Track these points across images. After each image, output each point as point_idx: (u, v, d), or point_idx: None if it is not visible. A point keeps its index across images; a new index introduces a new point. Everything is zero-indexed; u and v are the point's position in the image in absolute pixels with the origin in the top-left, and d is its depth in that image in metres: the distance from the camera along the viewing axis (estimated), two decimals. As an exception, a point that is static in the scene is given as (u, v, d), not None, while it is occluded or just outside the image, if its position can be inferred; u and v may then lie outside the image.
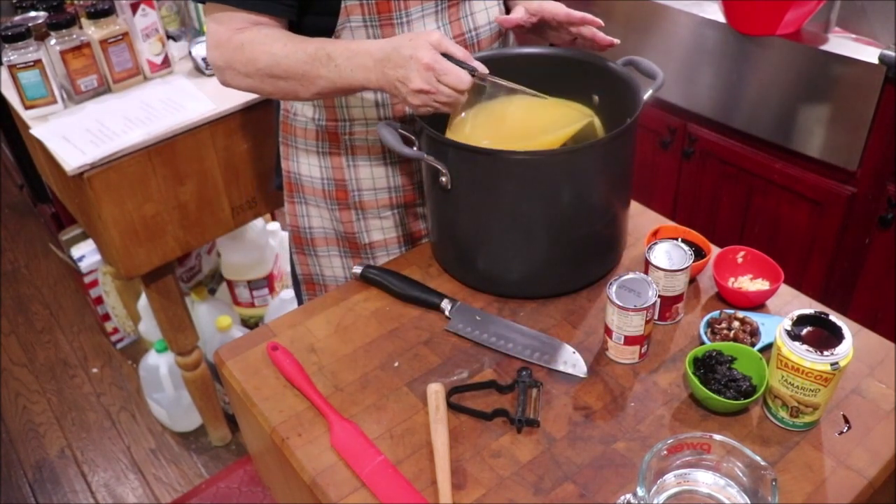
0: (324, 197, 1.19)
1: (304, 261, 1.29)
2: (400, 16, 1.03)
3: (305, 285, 1.32)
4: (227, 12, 1.00)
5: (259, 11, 1.00)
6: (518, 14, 1.08)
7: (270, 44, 0.99)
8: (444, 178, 0.96)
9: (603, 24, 1.07)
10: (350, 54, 0.95)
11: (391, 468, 0.81)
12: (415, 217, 1.21)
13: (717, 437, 0.75)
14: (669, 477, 0.77)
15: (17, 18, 1.67)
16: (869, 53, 1.52)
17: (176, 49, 1.73)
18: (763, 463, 0.72)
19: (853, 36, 1.72)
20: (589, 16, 1.06)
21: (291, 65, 0.98)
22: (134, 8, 1.60)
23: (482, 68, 0.93)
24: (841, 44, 1.58)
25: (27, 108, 1.56)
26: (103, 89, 1.63)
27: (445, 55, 0.90)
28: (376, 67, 0.92)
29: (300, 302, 1.36)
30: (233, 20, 1.00)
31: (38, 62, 1.52)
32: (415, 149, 1.00)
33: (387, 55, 0.91)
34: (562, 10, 1.06)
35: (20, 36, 1.51)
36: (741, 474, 0.75)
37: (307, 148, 1.17)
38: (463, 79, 0.90)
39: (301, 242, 1.27)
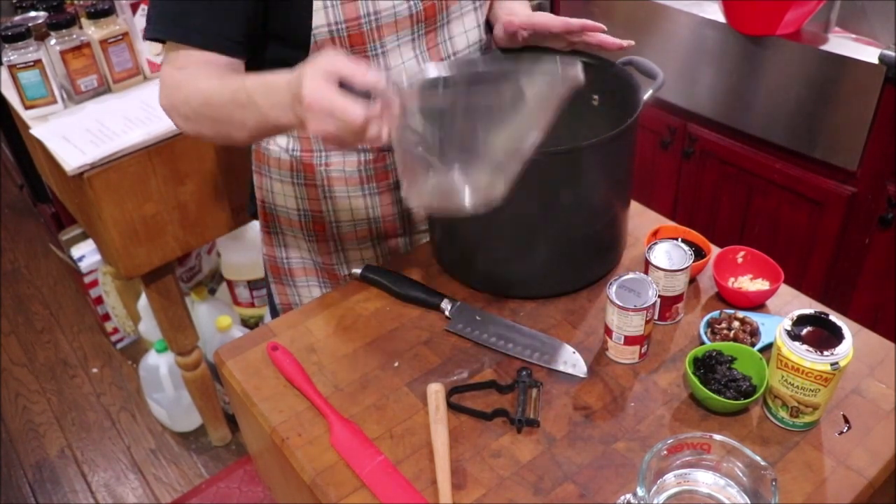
0: (301, 228, 1.15)
1: (283, 290, 1.24)
2: (374, 47, 0.98)
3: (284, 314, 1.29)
4: (179, 51, 0.93)
5: (204, 47, 0.92)
6: (503, 29, 1.05)
7: (200, 80, 0.92)
8: (443, 178, 0.96)
9: (605, 28, 1.02)
10: (266, 90, 0.83)
11: (391, 468, 0.81)
12: (396, 247, 1.17)
13: (717, 437, 0.75)
14: (669, 477, 0.77)
15: (17, 18, 1.67)
16: (869, 53, 1.52)
17: (176, 49, 1.73)
18: (763, 463, 0.72)
19: (853, 36, 1.72)
20: (589, 22, 1.01)
21: (218, 104, 0.89)
22: (134, 8, 1.60)
23: (379, 82, 0.74)
24: (841, 44, 1.58)
25: (27, 108, 1.56)
26: (103, 89, 1.63)
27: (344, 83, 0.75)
28: (289, 108, 0.80)
29: None
30: (178, 59, 0.94)
31: (38, 62, 1.52)
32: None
33: (295, 95, 0.78)
34: (556, 21, 1.02)
35: (20, 36, 1.51)
36: (741, 474, 0.75)
37: (281, 178, 1.12)
38: (355, 113, 0.73)
39: (279, 273, 1.23)
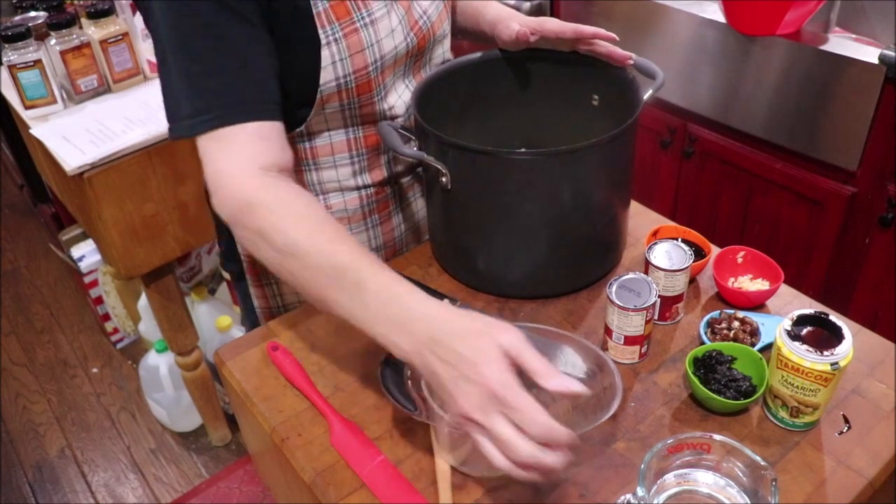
0: None
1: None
2: (378, 91, 0.97)
3: (284, 314, 1.25)
4: (220, 139, 0.82)
5: (251, 119, 0.83)
6: (515, 31, 1.04)
7: (288, 219, 0.79)
8: (444, 178, 0.96)
9: (617, 38, 1.02)
10: (387, 298, 0.72)
11: (391, 468, 0.81)
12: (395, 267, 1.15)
13: (718, 437, 0.75)
14: (669, 477, 0.77)
15: (17, 18, 1.67)
16: (869, 53, 1.52)
17: (176, 49, 1.73)
18: (763, 463, 0.72)
19: (853, 36, 1.72)
20: (601, 31, 1.00)
21: (309, 265, 0.76)
22: (134, 8, 1.60)
23: (583, 389, 0.64)
24: (841, 44, 1.58)
25: (27, 108, 1.56)
26: (103, 89, 1.63)
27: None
28: (415, 339, 0.69)
29: None
30: (223, 148, 0.82)
31: (38, 62, 1.52)
32: (415, 149, 1.00)
33: (436, 338, 0.67)
34: (567, 28, 1.02)
35: (20, 36, 1.51)
36: (741, 474, 0.74)
37: None
38: (540, 422, 0.61)
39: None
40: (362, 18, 0.93)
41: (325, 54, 0.90)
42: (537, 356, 0.64)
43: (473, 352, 0.65)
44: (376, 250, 1.12)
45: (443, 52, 1.10)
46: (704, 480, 0.77)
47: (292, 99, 0.92)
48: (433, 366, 0.67)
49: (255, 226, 0.80)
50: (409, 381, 0.81)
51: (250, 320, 1.20)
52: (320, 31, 0.89)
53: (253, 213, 0.80)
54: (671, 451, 0.75)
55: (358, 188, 1.06)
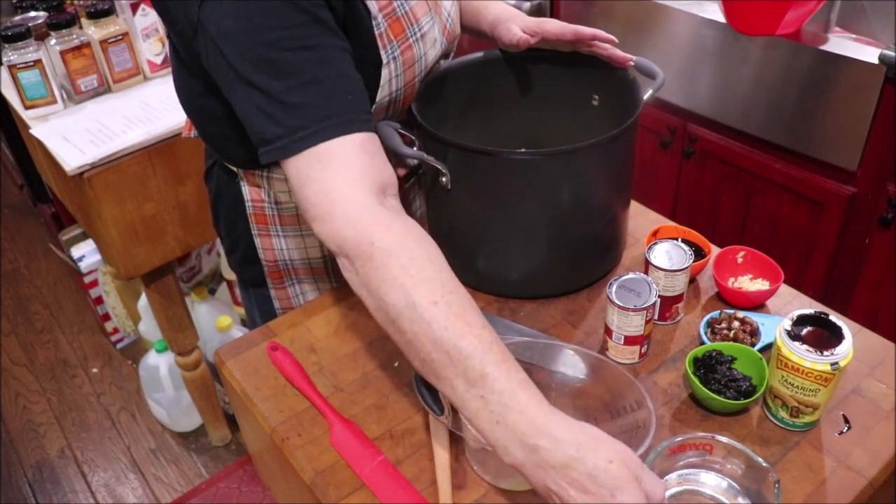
0: (325, 272, 1.10)
1: None
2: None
3: (284, 314, 1.25)
4: (325, 144, 0.73)
5: (348, 132, 0.74)
6: (517, 37, 1.04)
7: (411, 274, 0.70)
8: (444, 179, 0.96)
9: (616, 40, 1.02)
10: (509, 403, 0.65)
11: (391, 468, 0.81)
12: None
13: (721, 438, 0.75)
14: (672, 477, 0.77)
15: (17, 18, 1.67)
16: (869, 53, 1.52)
17: (176, 49, 1.73)
18: (766, 465, 0.72)
19: (853, 36, 1.72)
20: (601, 33, 1.01)
21: (429, 338, 0.68)
22: (134, 8, 1.60)
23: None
24: (841, 44, 1.58)
25: (27, 108, 1.56)
26: (103, 89, 1.63)
27: None
28: (533, 458, 0.64)
29: None
30: (337, 163, 0.73)
31: (38, 62, 1.52)
32: (415, 149, 1.00)
33: (567, 462, 0.62)
34: (567, 30, 1.02)
35: (20, 36, 1.51)
36: (743, 475, 0.75)
37: (302, 233, 1.05)
38: None
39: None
40: (414, 34, 0.93)
41: (384, 73, 0.91)
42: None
43: (611, 483, 0.61)
44: None
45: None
46: (707, 481, 0.77)
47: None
48: (550, 488, 0.63)
49: (376, 274, 0.71)
50: None
51: (264, 322, 1.17)
52: (381, 52, 0.89)
53: (373, 260, 0.71)
54: (674, 451, 0.75)
55: None
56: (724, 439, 0.75)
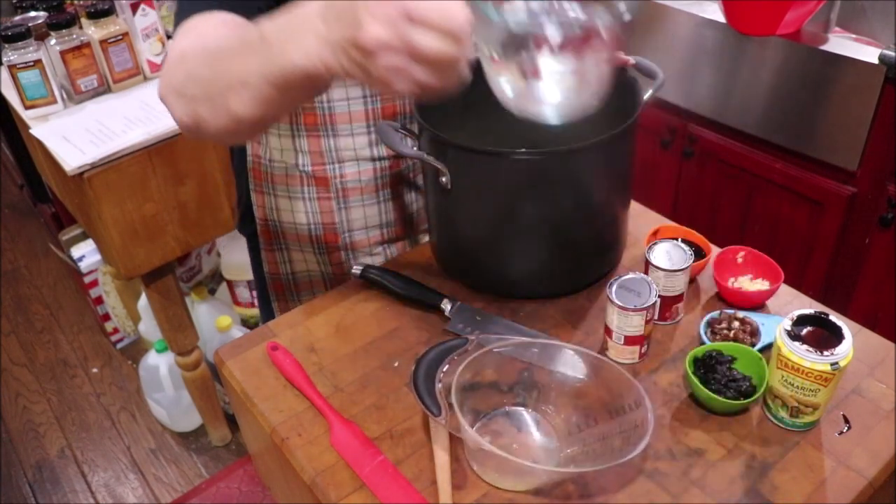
0: (310, 242, 1.13)
1: (286, 307, 1.23)
2: None
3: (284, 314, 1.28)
4: (191, 20, 0.79)
5: (225, 9, 0.79)
6: None
7: (208, 37, 0.75)
8: (444, 178, 0.96)
9: None
10: (284, 21, 0.65)
11: (391, 468, 0.81)
12: (402, 249, 1.17)
13: None
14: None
15: (17, 18, 1.67)
16: (869, 53, 1.52)
17: (176, 49, 1.73)
18: None
19: (853, 36, 1.72)
20: None
21: (217, 55, 0.71)
22: (134, 8, 1.60)
23: None
24: (841, 44, 1.58)
25: (27, 108, 1.56)
26: (103, 89, 1.63)
27: None
28: (314, 30, 0.61)
29: None
30: (188, 28, 0.79)
31: (38, 62, 1.52)
32: (415, 148, 1.00)
33: (328, 4, 0.61)
34: None
35: (20, 36, 1.51)
36: None
37: (290, 195, 1.09)
38: (453, 15, 0.56)
39: (282, 289, 1.22)
40: None
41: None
42: None
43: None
44: (387, 225, 1.14)
45: None
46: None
47: None
48: (336, 40, 0.60)
49: (178, 75, 0.74)
50: (440, 385, 0.81)
51: (260, 289, 1.26)
52: None
53: (176, 69, 0.75)
54: None
55: (373, 159, 1.07)
56: None
